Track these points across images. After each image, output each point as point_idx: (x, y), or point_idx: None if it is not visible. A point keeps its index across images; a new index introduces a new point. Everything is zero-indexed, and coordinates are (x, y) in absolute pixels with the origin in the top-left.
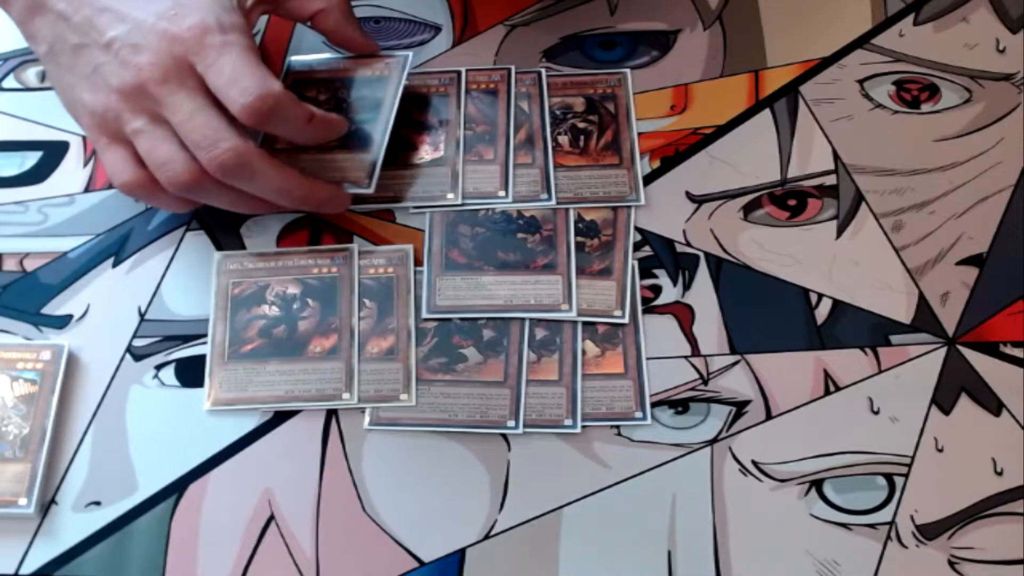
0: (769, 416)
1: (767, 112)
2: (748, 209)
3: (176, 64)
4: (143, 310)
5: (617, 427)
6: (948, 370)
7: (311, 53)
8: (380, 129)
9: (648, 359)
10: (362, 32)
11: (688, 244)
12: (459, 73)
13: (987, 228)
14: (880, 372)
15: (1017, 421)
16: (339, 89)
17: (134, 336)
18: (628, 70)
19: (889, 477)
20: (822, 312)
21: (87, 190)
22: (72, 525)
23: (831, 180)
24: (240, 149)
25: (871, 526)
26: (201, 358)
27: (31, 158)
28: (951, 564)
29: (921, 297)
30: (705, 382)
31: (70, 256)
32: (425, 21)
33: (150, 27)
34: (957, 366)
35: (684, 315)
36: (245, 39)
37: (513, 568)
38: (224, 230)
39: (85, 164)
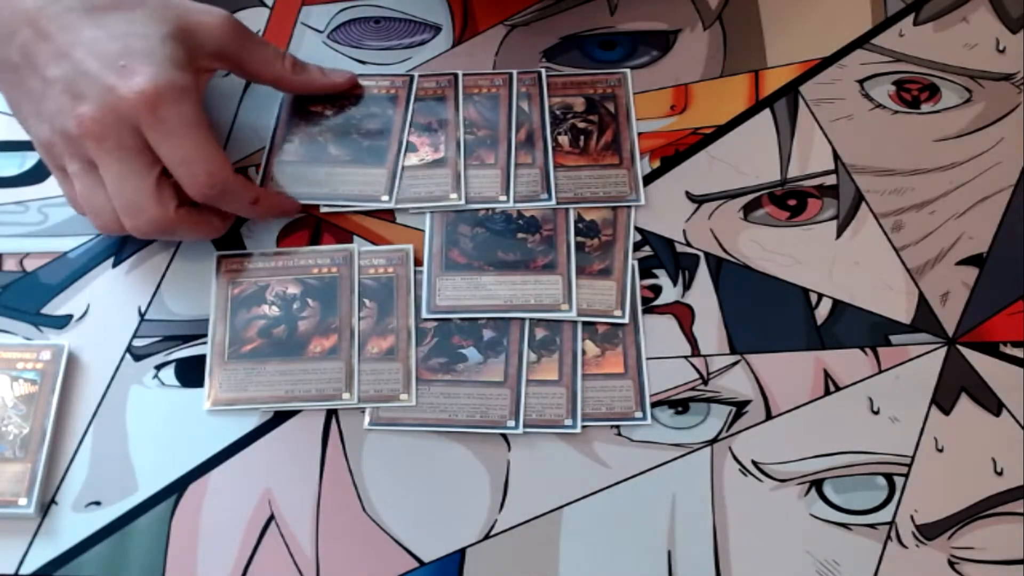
0: (769, 416)
1: (767, 112)
2: (748, 209)
3: (118, 125)
4: (143, 310)
5: (617, 427)
6: (948, 370)
7: (311, 56)
8: (394, 146)
9: (648, 359)
10: (322, 73)
11: (688, 244)
12: (456, 76)
13: (987, 228)
14: (880, 372)
15: (1017, 421)
16: (346, 105)
17: (134, 336)
18: (628, 70)
19: (889, 477)
20: (822, 312)
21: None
22: (72, 525)
23: (831, 180)
24: (159, 220)
25: (871, 526)
26: (201, 358)
27: (31, 158)
28: (951, 564)
29: (921, 297)
30: (705, 382)
31: (70, 256)
32: (425, 21)
33: (95, 77)
34: (957, 366)
35: (684, 315)
36: (196, 109)
37: (513, 568)
38: None
39: None
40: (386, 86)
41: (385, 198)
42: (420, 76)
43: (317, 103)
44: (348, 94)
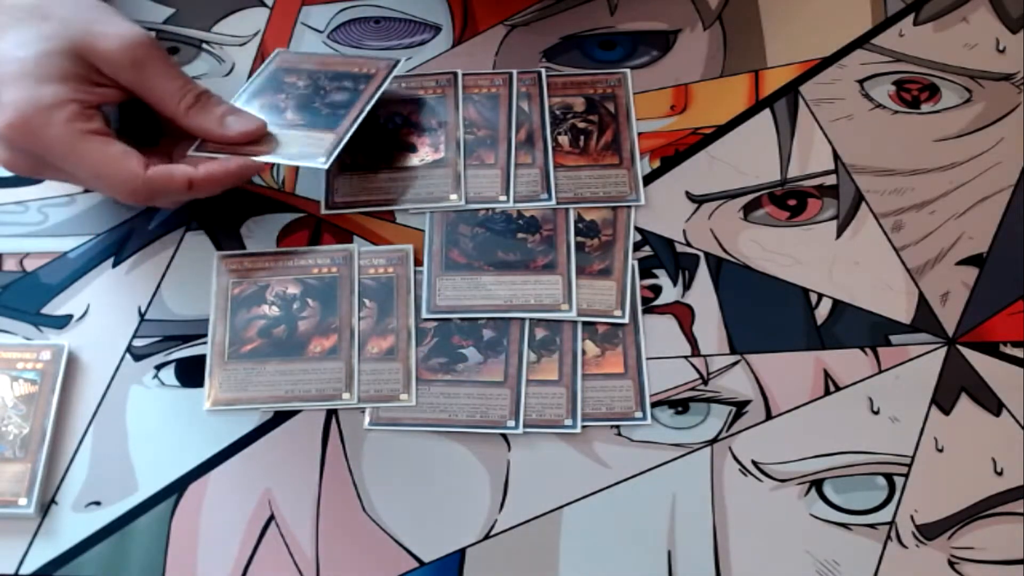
0: (769, 416)
1: (767, 112)
2: (748, 209)
3: (23, 157)
4: (143, 310)
5: (617, 427)
6: (948, 370)
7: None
8: (352, 115)
9: (648, 359)
10: (220, 124)
11: (688, 244)
12: (455, 75)
13: (987, 228)
14: (880, 372)
15: (1017, 421)
16: (320, 78)
17: (134, 336)
18: (628, 70)
19: (889, 477)
20: (822, 312)
21: (87, 190)
22: (72, 525)
23: (831, 180)
24: (134, 184)
25: (871, 526)
26: (201, 358)
27: None
28: (951, 564)
29: (921, 297)
30: (705, 382)
31: (70, 256)
32: (425, 21)
33: None
34: (957, 366)
35: (684, 315)
36: (72, 126)
37: (513, 568)
38: (224, 230)
39: None
40: (367, 66)
41: (321, 159)
42: (420, 76)
43: (292, 75)
44: (326, 71)
